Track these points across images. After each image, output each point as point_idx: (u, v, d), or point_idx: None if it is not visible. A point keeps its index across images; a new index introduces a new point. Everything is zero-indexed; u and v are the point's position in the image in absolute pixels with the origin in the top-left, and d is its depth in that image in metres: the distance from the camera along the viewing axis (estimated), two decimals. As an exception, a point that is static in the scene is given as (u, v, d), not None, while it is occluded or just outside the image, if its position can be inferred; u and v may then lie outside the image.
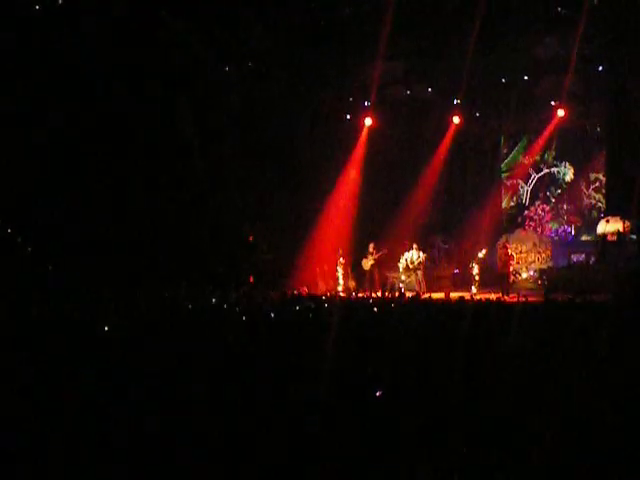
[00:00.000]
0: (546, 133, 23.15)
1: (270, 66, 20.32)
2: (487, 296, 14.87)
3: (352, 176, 22.63)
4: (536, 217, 24.23)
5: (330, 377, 5.09)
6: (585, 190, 24.26)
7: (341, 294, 18.55)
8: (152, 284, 15.42)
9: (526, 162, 24.78)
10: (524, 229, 23.95)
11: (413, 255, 20.23)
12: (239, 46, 19.45)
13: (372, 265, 20.54)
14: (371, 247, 20.61)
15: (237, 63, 20.19)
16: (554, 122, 22.44)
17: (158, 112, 18.79)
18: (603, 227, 20.84)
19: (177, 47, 18.38)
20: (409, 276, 20.47)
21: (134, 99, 17.89)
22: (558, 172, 24.21)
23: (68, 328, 8.08)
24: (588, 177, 24.20)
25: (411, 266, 20.24)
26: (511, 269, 20.38)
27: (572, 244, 23.35)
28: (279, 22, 19.06)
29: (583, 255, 21.78)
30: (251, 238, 21.11)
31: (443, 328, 7.82)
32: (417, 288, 19.68)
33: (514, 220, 24.86)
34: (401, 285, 20.02)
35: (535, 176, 24.18)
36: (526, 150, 24.83)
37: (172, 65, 18.63)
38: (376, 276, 20.58)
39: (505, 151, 25.52)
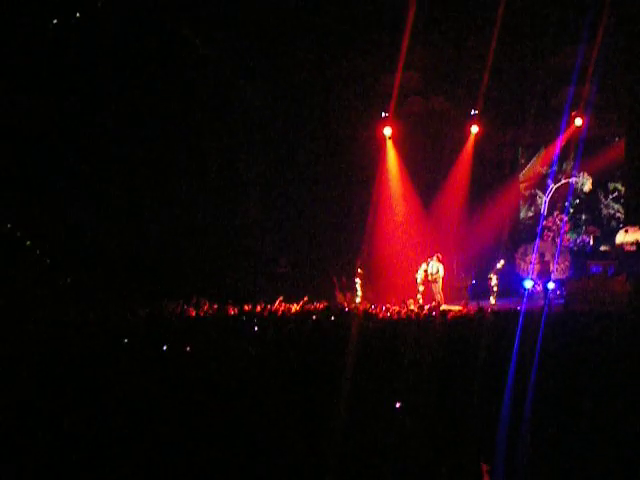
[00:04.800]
0: (564, 143, 23.02)
1: (288, 77, 20.45)
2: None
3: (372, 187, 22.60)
4: (554, 227, 24.11)
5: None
6: (604, 200, 24.17)
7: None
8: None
9: (544, 172, 24.69)
10: (542, 239, 23.82)
11: (432, 266, 20.12)
12: (257, 60, 19.61)
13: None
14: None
15: (255, 78, 20.32)
16: (572, 132, 22.33)
17: (175, 125, 18.97)
18: (622, 237, 20.70)
19: (196, 62, 18.59)
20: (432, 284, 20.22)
21: (151, 111, 18.06)
22: (576, 182, 24.12)
23: (89, 337, 8.16)
24: (607, 187, 24.11)
25: (430, 277, 20.14)
26: None
27: (590, 254, 23.19)
28: (297, 33, 19.21)
29: (601, 265, 21.60)
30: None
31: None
32: (436, 299, 19.60)
33: (532, 230, 24.73)
34: (418, 296, 19.91)
35: (553, 186, 24.07)
36: (544, 160, 24.74)
37: (191, 81, 18.83)
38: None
39: (523, 161, 25.44)
